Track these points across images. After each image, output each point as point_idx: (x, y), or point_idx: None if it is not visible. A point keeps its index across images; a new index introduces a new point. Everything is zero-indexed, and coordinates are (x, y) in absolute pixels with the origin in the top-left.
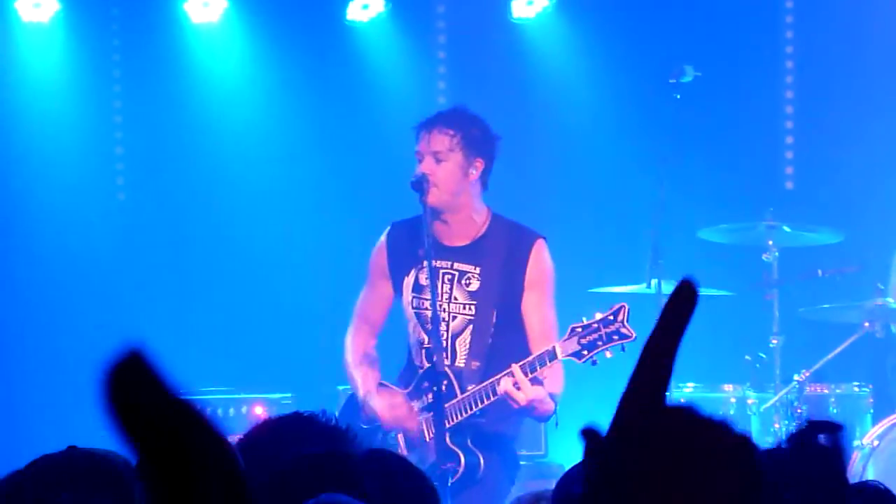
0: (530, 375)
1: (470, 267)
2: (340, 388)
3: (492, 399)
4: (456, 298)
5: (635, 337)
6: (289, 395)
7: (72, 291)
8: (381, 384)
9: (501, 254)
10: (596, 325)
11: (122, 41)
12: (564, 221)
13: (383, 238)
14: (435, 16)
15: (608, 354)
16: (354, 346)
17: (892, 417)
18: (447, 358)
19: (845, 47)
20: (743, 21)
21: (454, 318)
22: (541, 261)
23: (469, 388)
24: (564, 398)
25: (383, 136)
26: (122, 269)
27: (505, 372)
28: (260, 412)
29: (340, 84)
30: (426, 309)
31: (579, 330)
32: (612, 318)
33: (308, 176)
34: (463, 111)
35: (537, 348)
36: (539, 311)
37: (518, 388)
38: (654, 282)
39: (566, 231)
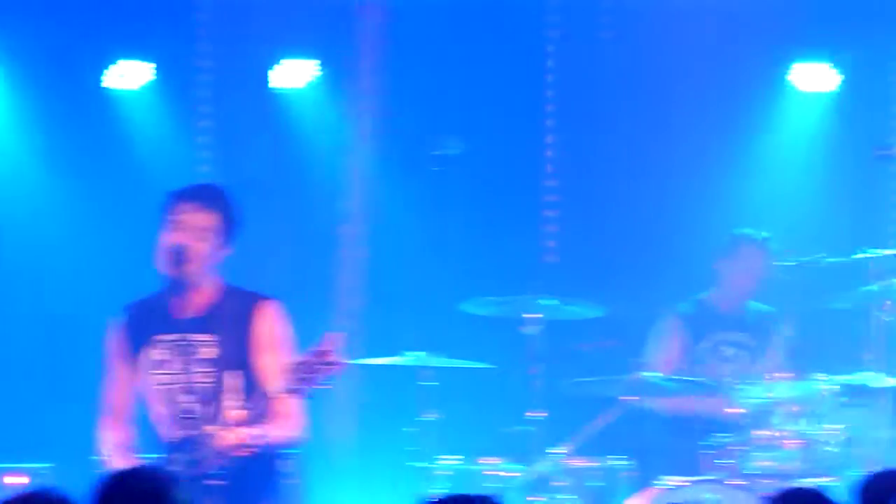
0: (252, 423)
1: (204, 336)
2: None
3: (220, 457)
4: (190, 369)
5: (343, 366)
6: (49, 464)
7: None
8: None
9: (233, 320)
10: (306, 360)
11: None
12: (325, 292)
13: (117, 321)
14: (198, 84)
15: (321, 387)
16: (108, 439)
17: (649, 491)
18: (195, 427)
19: (604, 121)
20: (505, 94)
21: (192, 388)
22: (272, 321)
23: (204, 452)
24: None
25: (143, 207)
26: None
27: (223, 425)
28: (11, 481)
29: (102, 153)
30: (167, 384)
31: (292, 367)
32: (321, 350)
33: (70, 243)
34: (228, 194)
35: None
36: (275, 370)
37: (238, 438)
38: (414, 354)
39: (331, 301)
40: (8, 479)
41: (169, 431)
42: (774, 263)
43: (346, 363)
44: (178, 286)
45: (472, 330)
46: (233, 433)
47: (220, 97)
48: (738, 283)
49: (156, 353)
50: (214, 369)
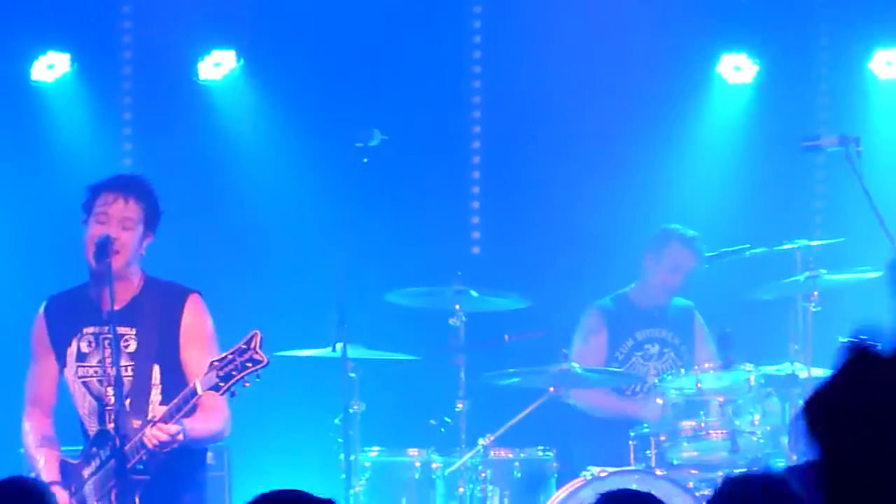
0: (176, 417)
1: (127, 329)
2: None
3: (142, 451)
4: (120, 362)
5: (267, 362)
6: None
7: None
8: (63, 462)
9: (156, 312)
10: (230, 357)
11: None
12: (249, 285)
13: (41, 312)
14: (121, 76)
15: (246, 384)
16: (31, 430)
17: (575, 482)
18: (119, 420)
19: (531, 114)
20: (431, 85)
21: (121, 379)
22: (195, 314)
23: (128, 445)
24: None
25: (65, 200)
26: None
27: (147, 423)
28: None
29: (23, 145)
30: (91, 376)
31: (216, 364)
32: (245, 346)
33: None
34: (150, 183)
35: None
36: (199, 363)
37: (162, 433)
38: (339, 346)
39: (254, 294)
40: None
41: (93, 424)
42: (701, 262)
43: (268, 360)
44: (102, 277)
45: (398, 321)
46: (157, 427)
47: (141, 89)
48: (664, 280)
49: (80, 345)
50: (138, 362)
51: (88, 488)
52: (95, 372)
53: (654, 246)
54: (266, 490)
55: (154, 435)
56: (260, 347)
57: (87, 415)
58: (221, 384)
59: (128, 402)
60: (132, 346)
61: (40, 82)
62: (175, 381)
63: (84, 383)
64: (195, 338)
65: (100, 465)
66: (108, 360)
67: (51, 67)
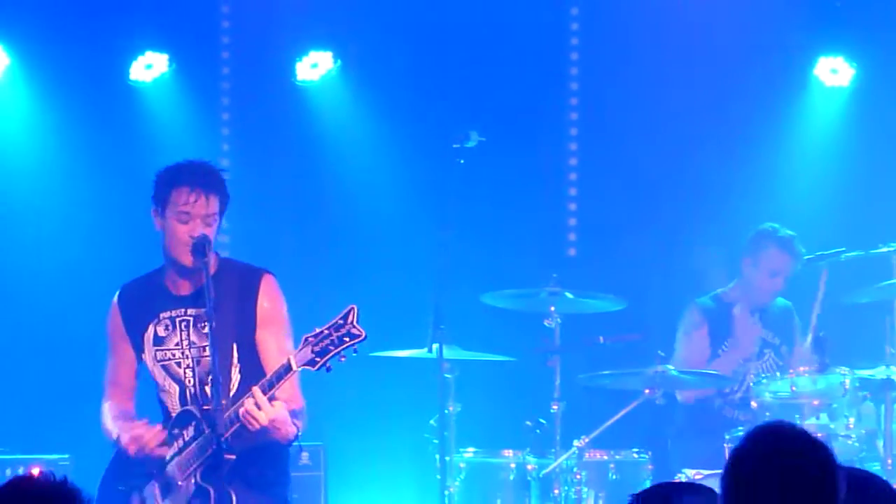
0: (269, 392)
1: (202, 310)
2: None
3: (236, 425)
4: (194, 343)
5: (365, 336)
6: (66, 455)
7: None
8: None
9: (233, 293)
10: (327, 332)
11: None
12: (346, 286)
13: (115, 301)
14: (219, 76)
15: (342, 359)
16: (109, 409)
17: (670, 483)
18: (196, 401)
19: (628, 115)
20: (528, 87)
21: (198, 362)
22: (270, 295)
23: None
24: None
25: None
26: None
27: (246, 396)
28: (36, 473)
29: (122, 145)
30: (170, 359)
31: (311, 339)
32: (342, 321)
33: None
34: (220, 171)
35: None
36: (275, 343)
37: (259, 408)
38: (435, 346)
39: (350, 295)
40: (34, 471)
41: (175, 405)
42: (800, 264)
43: (366, 335)
44: (194, 272)
45: (494, 322)
46: (254, 399)
47: (239, 89)
48: (762, 284)
49: (157, 329)
50: (218, 342)
51: (172, 468)
52: (174, 355)
53: (752, 249)
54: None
55: (254, 410)
56: (357, 322)
57: (169, 397)
58: (318, 359)
59: (210, 383)
60: (210, 328)
61: (139, 82)
62: (251, 360)
63: (163, 366)
64: (270, 318)
65: (184, 445)
66: (186, 343)
67: (149, 67)
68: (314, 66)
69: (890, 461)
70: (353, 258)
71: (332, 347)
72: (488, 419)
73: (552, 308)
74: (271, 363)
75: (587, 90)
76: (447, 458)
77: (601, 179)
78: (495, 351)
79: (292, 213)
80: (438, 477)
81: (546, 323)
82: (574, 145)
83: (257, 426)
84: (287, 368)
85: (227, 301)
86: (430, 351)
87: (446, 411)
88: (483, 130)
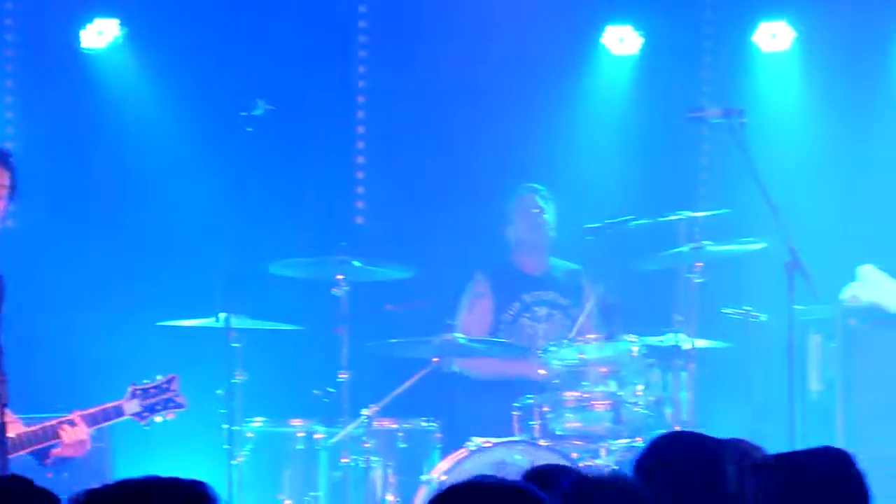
0: (93, 428)
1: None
2: None
3: (49, 441)
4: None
5: (186, 406)
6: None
7: None
8: None
9: None
10: (154, 391)
11: None
12: (137, 254)
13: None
14: (3, 43)
15: (169, 416)
16: None
17: (459, 452)
18: None
19: (416, 83)
20: (316, 55)
21: None
22: None
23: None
24: None
25: None
26: None
27: (66, 417)
28: None
29: None
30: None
31: (139, 392)
32: (166, 386)
33: None
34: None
35: None
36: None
37: (76, 438)
38: (222, 315)
39: (136, 264)
40: None
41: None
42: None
43: (187, 405)
44: None
45: (281, 291)
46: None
47: (23, 56)
48: (525, 237)
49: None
50: None
51: None
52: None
53: (509, 215)
54: (143, 470)
55: (72, 440)
56: (180, 391)
57: None
58: (146, 414)
59: None
60: None
61: None
62: None
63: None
64: None
65: None
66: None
67: None
68: (100, 33)
69: (677, 428)
70: (141, 227)
71: (158, 408)
72: (276, 388)
73: (340, 276)
74: None
75: (375, 58)
76: (235, 428)
77: (389, 148)
78: (283, 320)
79: (78, 182)
80: (226, 447)
81: (334, 291)
82: (361, 113)
83: (68, 454)
84: (118, 412)
85: None
86: (217, 320)
87: (233, 381)
88: (271, 99)
